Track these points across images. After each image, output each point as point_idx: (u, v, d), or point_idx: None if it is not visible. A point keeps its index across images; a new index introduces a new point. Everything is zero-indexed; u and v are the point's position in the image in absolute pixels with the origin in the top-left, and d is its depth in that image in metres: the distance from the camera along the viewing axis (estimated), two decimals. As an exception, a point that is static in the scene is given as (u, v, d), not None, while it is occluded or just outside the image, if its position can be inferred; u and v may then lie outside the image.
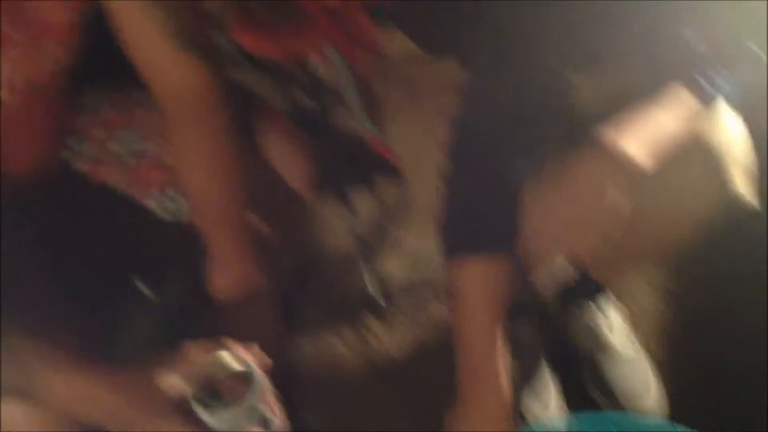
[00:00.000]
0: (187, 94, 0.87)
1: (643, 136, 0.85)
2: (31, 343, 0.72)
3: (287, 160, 1.00)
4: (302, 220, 1.10)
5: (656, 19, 0.88)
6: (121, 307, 0.93)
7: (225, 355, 0.75)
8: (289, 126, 1.05)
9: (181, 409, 0.72)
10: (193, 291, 0.91)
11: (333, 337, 1.42)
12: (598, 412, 1.24)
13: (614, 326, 1.29)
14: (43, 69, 0.84)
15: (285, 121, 1.07)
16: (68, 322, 0.85)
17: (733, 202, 0.97)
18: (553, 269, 0.87)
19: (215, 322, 0.85)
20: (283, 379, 0.81)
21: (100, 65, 0.92)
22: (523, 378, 1.27)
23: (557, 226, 0.86)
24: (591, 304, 1.29)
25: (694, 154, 0.93)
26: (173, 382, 0.73)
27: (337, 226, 1.51)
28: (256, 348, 0.77)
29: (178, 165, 0.90)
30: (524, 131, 0.85)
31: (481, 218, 0.88)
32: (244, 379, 0.74)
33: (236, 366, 0.74)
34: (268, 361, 0.77)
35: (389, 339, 1.41)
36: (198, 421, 0.72)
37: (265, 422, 0.75)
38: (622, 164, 0.82)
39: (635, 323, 1.33)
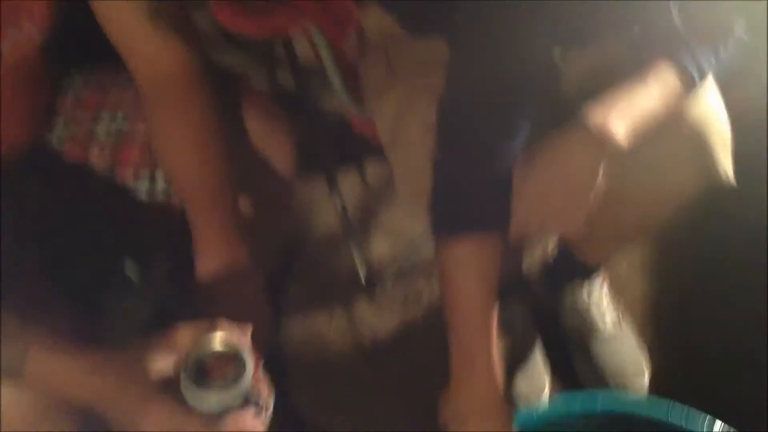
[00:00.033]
0: (165, 74, 0.86)
1: (627, 114, 0.85)
2: (19, 326, 0.72)
3: (271, 141, 0.99)
4: (288, 202, 1.09)
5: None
6: (108, 289, 0.93)
7: (214, 337, 0.74)
8: (272, 106, 1.04)
9: (171, 390, 0.72)
10: (180, 273, 0.91)
11: (321, 318, 1.42)
12: (587, 391, 1.25)
13: (602, 306, 1.30)
14: (20, 50, 0.83)
15: (267, 101, 1.06)
16: (55, 305, 0.85)
17: (715, 179, 0.97)
18: (541, 248, 0.87)
19: (202, 305, 0.85)
20: (272, 361, 0.81)
21: (80, 46, 0.91)
22: (515, 358, 1.28)
23: (545, 204, 0.87)
24: (579, 284, 1.29)
25: (678, 132, 0.93)
26: (162, 363, 0.73)
27: (323, 207, 1.50)
28: (246, 329, 0.77)
29: (158, 146, 0.89)
30: (510, 110, 0.85)
31: (469, 198, 0.88)
32: (233, 360, 0.74)
33: (225, 347, 0.74)
34: (257, 343, 0.77)
35: (378, 320, 1.42)
36: (187, 403, 0.72)
37: (254, 403, 0.75)
38: (607, 142, 0.83)
39: (623, 303, 1.34)
